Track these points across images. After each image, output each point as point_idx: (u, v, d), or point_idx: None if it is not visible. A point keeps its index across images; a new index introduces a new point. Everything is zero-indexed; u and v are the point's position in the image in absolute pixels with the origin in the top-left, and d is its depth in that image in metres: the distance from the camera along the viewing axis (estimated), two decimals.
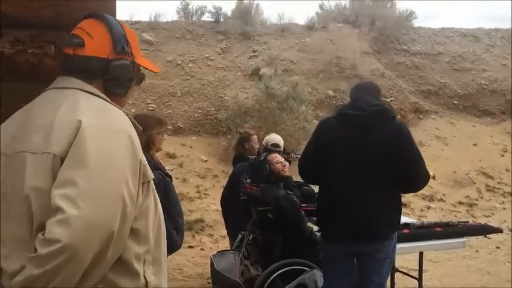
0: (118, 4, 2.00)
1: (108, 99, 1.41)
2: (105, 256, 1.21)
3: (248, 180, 4.43)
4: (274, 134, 5.28)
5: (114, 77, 1.43)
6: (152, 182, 1.42)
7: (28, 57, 1.76)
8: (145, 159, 1.36)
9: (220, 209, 5.22)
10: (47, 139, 1.23)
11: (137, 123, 1.43)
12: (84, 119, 1.24)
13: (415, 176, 2.98)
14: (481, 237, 6.29)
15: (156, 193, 1.46)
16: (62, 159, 1.21)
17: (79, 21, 1.46)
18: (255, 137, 5.18)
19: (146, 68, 1.56)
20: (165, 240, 1.49)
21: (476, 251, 6.59)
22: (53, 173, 1.21)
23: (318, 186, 3.94)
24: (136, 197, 1.29)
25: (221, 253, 4.22)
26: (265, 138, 4.99)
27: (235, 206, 4.53)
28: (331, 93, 12.11)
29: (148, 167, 1.37)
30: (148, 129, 2.96)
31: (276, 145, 4.78)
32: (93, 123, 1.25)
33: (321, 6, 16.28)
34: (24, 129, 1.31)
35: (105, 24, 1.44)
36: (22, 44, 1.74)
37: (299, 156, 5.09)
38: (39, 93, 1.43)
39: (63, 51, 1.43)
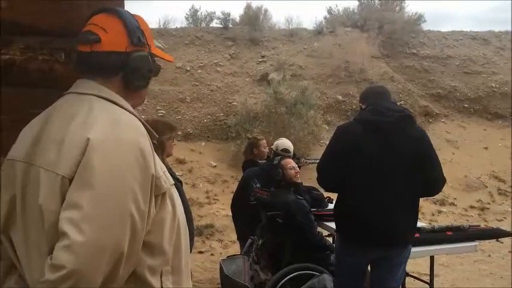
0: (127, 10, 2.01)
1: (124, 104, 1.37)
2: (116, 275, 1.19)
3: (258, 185, 4.43)
4: (284, 138, 5.24)
5: (134, 70, 1.39)
6: (170, 189, 1.36)
7: (38, 64, 1.75)
8: (159, 168, 1.32)
9: (230, 214, 5.22)
10: (57, 157, 1.21)
11: (152, 130, 1.38)
12: (92, 137, 1.20)
13: (438, 179, 2.98)
14: (493, 242, 6.22)
15: (177, 194, 1.42)
16: (70, 181, 1.18)
17: (89, 18, 1.42)
18: (264, 141, 5.16)
19: (161, 58, 1.52)
20: (187, 242, 1.45)
21: (489, 256, 6.53)
22: (61, 194, 1.18)
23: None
24: (148, 212, 1.25)
25: (230, 258, 4.21)
26: (275, 143, 4.97)
27: (245, 211, 4.53)
28: (340, 97, 12.10)
29: (162, 177, 1.32)
30: (159, 134, 2.96)
31: (286, 150, 4.76)
32: (102, 140, 1.21)
33: (329, 11, 16.33)
34: (41, 140, 1.28)
35: (118, 17, 1.40)
36: (32, 51, 1.74)
37: (309, 161, 5.10)
38: (48, 99, 1.40)
39: (78, 50, 1.39)
